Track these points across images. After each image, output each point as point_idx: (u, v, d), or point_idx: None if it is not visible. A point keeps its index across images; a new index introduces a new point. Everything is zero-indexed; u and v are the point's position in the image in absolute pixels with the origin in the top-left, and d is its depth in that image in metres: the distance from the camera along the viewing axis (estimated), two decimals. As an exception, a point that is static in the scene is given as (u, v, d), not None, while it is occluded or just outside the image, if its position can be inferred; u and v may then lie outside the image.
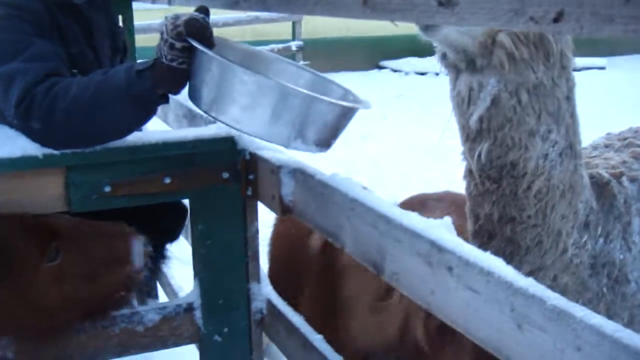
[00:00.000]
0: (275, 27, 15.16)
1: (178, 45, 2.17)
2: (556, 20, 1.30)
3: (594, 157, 3.08)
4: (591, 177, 2.79)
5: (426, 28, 2.38)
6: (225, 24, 11.64)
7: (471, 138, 2.56)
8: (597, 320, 1.26)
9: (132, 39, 4.70)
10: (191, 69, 2.23)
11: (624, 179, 2.86)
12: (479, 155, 2.50)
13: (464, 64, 2.55)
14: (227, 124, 2.23)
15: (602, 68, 18.07)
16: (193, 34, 2.18)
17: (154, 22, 11.22)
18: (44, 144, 2.35)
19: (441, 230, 1.69)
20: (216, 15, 11.26)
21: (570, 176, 2.63)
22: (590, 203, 2.72)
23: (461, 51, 2.51)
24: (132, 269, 2.48)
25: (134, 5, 4.60)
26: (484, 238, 2.48)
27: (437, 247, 1.65)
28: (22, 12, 2.45)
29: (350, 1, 2.00)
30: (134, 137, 2.47)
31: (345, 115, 2.27)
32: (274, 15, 13.35)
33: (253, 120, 2.16)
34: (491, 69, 2.48)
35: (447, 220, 1.76)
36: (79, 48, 2.62)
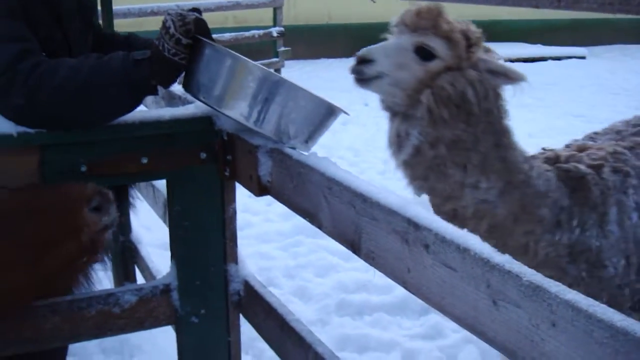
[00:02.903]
0: (257, 13, 15.09)
1: (184, 41, 2.31)
2: (534, -7, 1.30)
3: (586, 149, 3.14)
4: (567, 171, 2.92)
5: (360, 82, 2.71)
6: (207, 10, 11.55)
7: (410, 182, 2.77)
8: (572, 295, 1.26)
9: (111, 23, 4.65)
10: (195, 65, 2.35)
11: (605, 170, 2.94)
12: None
13: (397, 111, 2.76)
14: (235, 119, 2.36)
15: (583, 57, 18.15)
16: (201, 33, 2.35)
17: (133, 6, 11.16)
18: (21, 121, 2.32)
19: (417, 207, 1.69)
20: (196, 0, 11.16)
21: (520, 201, 2.79)
22: (560, 202, 2.86)
23: (392, 101, 2.74)
24: (89, 233, 2.21)
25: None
26: None
27: (414, 225, 1.64)
28: None
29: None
30: (110, 116, 2.44)
31: (334, 118, 2.49)
32: (255, 1, 13.30)
33: (260, 116, 2.31)
34: (415, 121, 2.68)
35: (425, 197, 1.75)
36: (47, 32, 2.57)
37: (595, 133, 3.39)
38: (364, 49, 2.73)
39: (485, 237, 2.20)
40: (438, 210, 2.64)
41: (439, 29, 2.66)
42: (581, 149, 3.14)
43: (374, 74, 2.68)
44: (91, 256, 2.33)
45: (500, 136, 2.75)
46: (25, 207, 2.19)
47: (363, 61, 2.70)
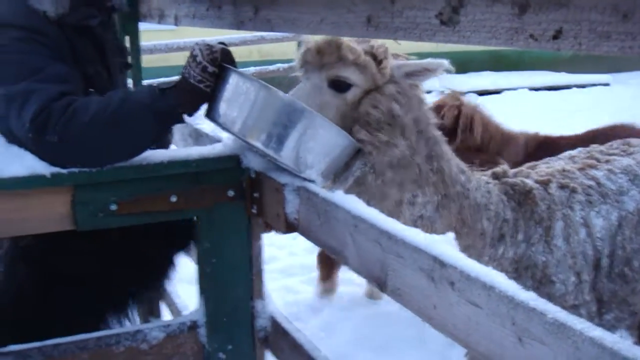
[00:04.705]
0: (281, 47, 15.23)
1: (210, 69, 2.39)
2: (555, 37, 1.33)
3: (535, 166, 3.24)
4: (513, 185, 2.96)
5: None
6: (232, 44, 11.60)
7: None
8: (597, 332, 1.27)
9: (139, 58, 4.74)
10: (219, 93, 2.41)
11: (553, 185, 2.99)
12: None
13: None
14: (254, 145, 2.39)
15: (607, 84, 18.08)
16: (227, 63, 2.42)
17: (160, 42, 11.32)
18: (55, 159, 2.36)
19: (443, 245, 1.71)
20: (222, 35, 11.31)
21: (458, 215, 2.79)
22: (503, 215, 2.87)
23: None
24: None
25: (141, 25, 4.64)
26: None
27: (440, 262, 1.66)
28: (39, 35, 2.49)
29: (354, 20, 2.03)
30: (140, 156, 2.49)
31: (352, 151, 2.55)
32: (279, 35, 13.42)
33: (279, 143, 2.35)
34: (360, 156, 2.62)
35: (450, 235, 1.77)
36: (94, 68, 2.68)
37: (550, 159, 3.43)
38: None
39: None
40: None
41: (345, 59, 2.64)
42: (530, 167, 3.22)
43: None
44: None
45: (432, 146, 2.75)
46: None
47: None
